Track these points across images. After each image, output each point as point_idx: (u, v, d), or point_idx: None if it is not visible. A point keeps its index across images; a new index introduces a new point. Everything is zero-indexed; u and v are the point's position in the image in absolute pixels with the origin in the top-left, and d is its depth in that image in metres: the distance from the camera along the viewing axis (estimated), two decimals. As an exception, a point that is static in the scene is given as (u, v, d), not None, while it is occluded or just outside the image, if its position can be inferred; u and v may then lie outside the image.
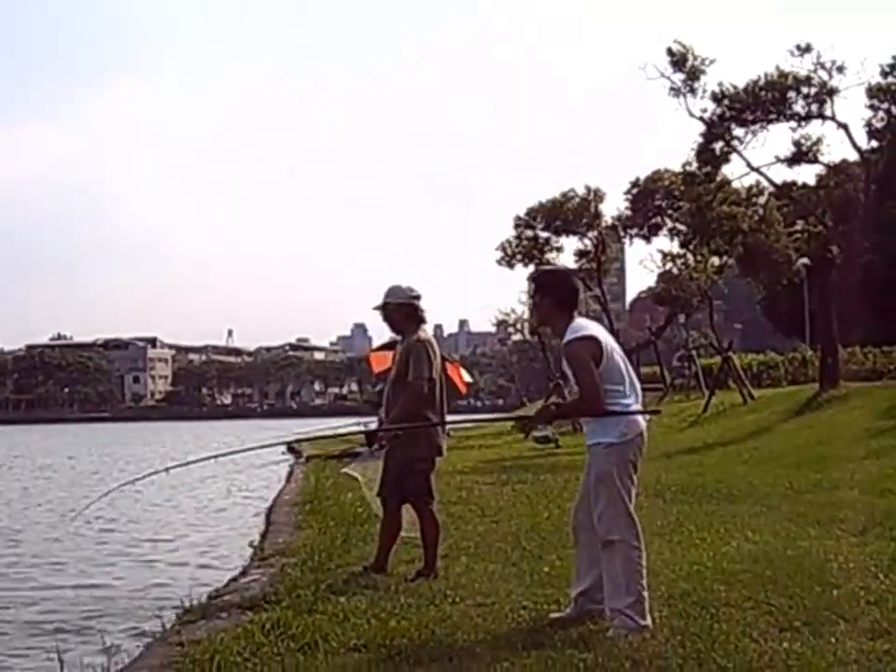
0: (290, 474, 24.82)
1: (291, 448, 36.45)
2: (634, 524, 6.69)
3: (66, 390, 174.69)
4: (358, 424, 31.70)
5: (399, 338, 9.59)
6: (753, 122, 31.73)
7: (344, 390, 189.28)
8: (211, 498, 23.20)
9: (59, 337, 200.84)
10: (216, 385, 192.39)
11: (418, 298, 9.33)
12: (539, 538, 10.91)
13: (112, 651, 8.07)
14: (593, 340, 6.67)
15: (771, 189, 38.12)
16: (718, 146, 33.03)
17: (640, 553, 6.65)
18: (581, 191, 48.58)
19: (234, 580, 10.40)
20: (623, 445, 6.64)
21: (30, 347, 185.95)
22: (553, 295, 6.99)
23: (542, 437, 5.97)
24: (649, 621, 6.53)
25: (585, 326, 6.84)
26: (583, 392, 6.60)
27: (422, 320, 9.34)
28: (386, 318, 9.43)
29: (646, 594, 6.60)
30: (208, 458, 8.84)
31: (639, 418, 6.77)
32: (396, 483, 9.19)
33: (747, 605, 7.25)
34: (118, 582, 12.77)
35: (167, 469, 8.23)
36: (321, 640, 6.82)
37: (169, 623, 8.41)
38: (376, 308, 9.42)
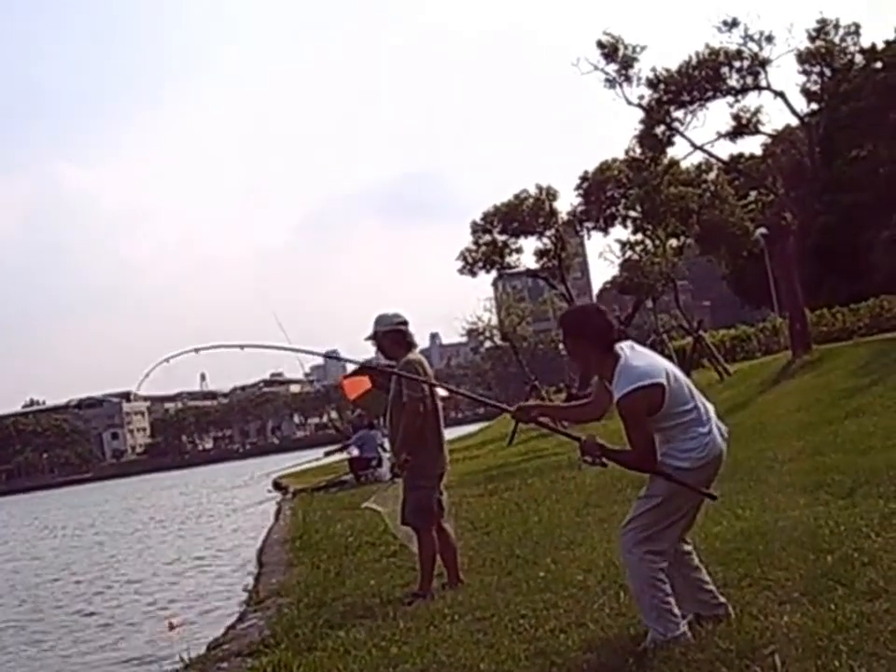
0: (279, 511, 24.66)
1: (277, 485, 36.37)
2: (658, 541, 6.10)
3: (45, 455, 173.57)
4: (343, 450, 31.77)
5: (375, 361, 9.82)
6: (691, 102, 32.01)
7: (324, 419, 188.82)
8: (200, 544, 23.03)
9: (31, 403, 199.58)
10: (195, 430, 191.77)
11: (405, 323, 9.55)
12: (531, 543, 10.89)
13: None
14: (656, 387, 5.91)
15: (719, 164, 38.37)
16: (659, 130, 33.24)
17: (656, 565, 6.07)
18: (533, 191, 48.74)
19: (232, 626, 10.33)
20: (694, 471, 6.04)
21: (3, 417, 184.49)
22: (587, 337, 6.19)
23: (589, 461, 5.96)
24: (681, 630, 6.01)
25: (639, 369, 5.96)
26: (634, 453, 6.01)
27: (411, 344, 9.53)
28: (378, 346, 9.64)
29: (669, 605, 6.05)
30: (239, 346, 8.72)
31: (718, 437, 6.13)
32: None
33: (743, 583, 7.24)
34: (112, 635, 12.67)
35: (196, 350, 8.30)
36: (323, 679, 6.77)
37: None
38: (368, 338, 9.64)
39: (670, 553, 6.17)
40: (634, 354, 6.10)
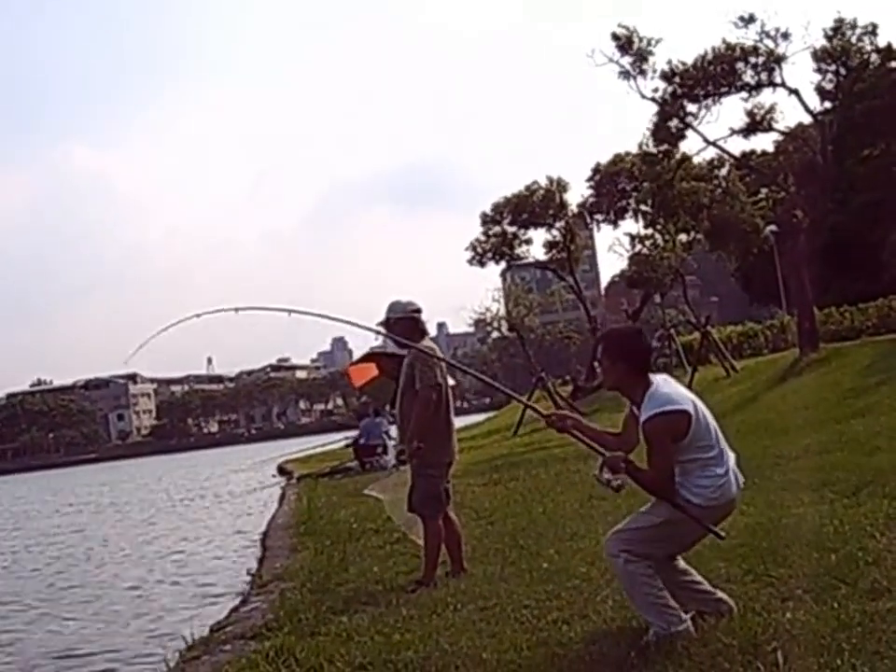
0: (283, 496, 24.71)
1: (282, 470, 36.46)
2: (643, 554, 6.06)
3: (51, 435, 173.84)
4: (346, 439, 31.85)
5: (381, 348, 9.76)
6: (705, 97, 31.86)
7: (330, 405, 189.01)
8: (206, 526, 23.07)
9: (39, 382, 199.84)
10: (200, 413, 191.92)
11: (418, 311, 9.51)
12: (535, 534, 10.90)
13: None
14: (682, 414, 5.95)
15: (731, 160, 38.28)
16: (672, 123, 33.13)
17: (641, 561, 6.05)
18: (544, 183, 48.70)
19: (235, 609, 10.35)
20: (704, 510, 6.01)
21: (10, 396, 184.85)
22: (626, 360, 6.20)
23: (608, 481, 5.89)
24: (684, 624, 6.00)
25: (669, 396, 6.02)
26: (654, 475, 5.99)
27: (423, 332, 9.52)
28: (390, 333, 9.58)
29: (663, 599, 6.04)
30: (286, 310, 8.41)
31: (733, 482, 6.09)
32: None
33: (747, 579, 7.25)
34: (117, 621, 12.69)
35: (237, 310, 8.12)
36: (326, 662, 6.78)
37: (172, 660, 8.35)
38: (379, 324, 9.55)
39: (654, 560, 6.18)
40: (665, 383, 6.15)
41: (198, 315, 8.38)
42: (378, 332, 8.27)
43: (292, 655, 7.10)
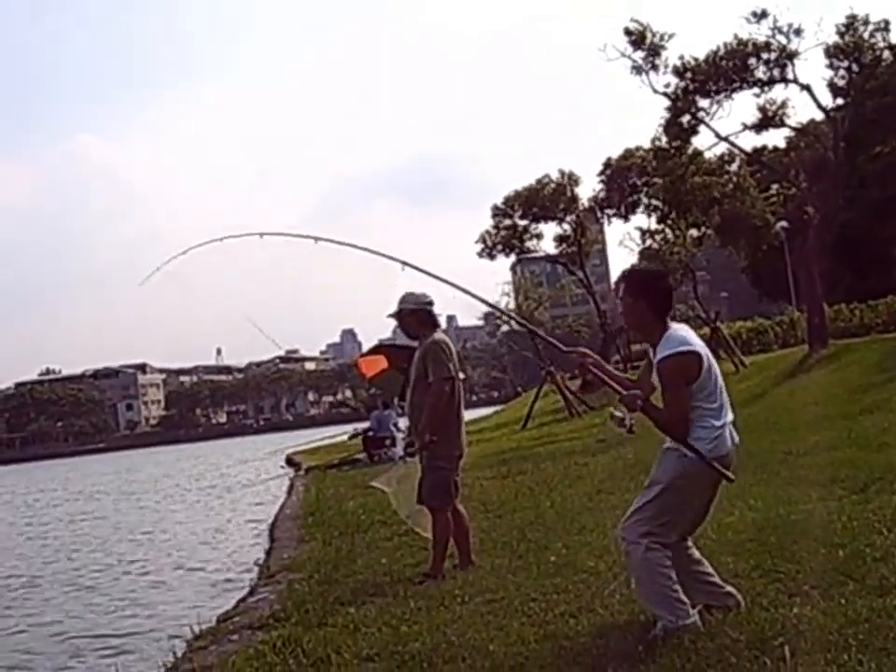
0: (291, 487, 24.76)
1: (290, 461, 36.53)
2: (661, 535, 6.09)
3: (60, 424, 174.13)
4: (354, 430, 31.88)
5: (390, 340, 9.69)
6: (717, 92, 31.77)
7: (339, 397, 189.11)
8: (215, 516, 23.13)
9: (48, 372, 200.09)
10: (209, 404, 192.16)
11: (431, 304, 9.47)
12: (543, 528, 10.92)
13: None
14: (695, 356, 6.05)
15: (742, 156, 38.18)
16: (684, 119, 33.06)
17: (660, 553, 6.06)
18: (555, 176, 48.66)
19: (242, 600, 10.36)
20: (701, 463, 6.04)
21: (19, 385, 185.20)
22: (648, 299, 6.25)
23: (620, 419, 5.90)
24: (692, 618, 6.02)
25: (685, 338, 6.12)
26: (668, 413, 6.04)
27: (436, 325, 9.49)
28: (401, 324, 9.59)
29: (677, 592, 6.05)
30: (308, 237, 8.40)
31: (728, 438, 6.15)
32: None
33: (754, 574, 7.25)
34: (125, 611, 12.75)
35: (261, 234, 8.06)
36: (333, 653, 6.81)
37: (179, 650, 8.38)
38: (391, 315, 9.58)
39: (672, 547, 6.18)
40: (682, 328, 6.25)
41: (221, 240, 8.34)
42: (393, 259, 7.99)
43: (299, 646, 7.12)
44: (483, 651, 6.33)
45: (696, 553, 6.42)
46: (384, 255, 8.12)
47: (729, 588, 6.41)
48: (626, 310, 6.38)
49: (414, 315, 9.40)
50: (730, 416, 6.22)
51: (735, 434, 6.25)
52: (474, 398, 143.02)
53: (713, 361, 6.20)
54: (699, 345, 6.15)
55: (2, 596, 15.07)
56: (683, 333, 6.16)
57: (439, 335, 9.39)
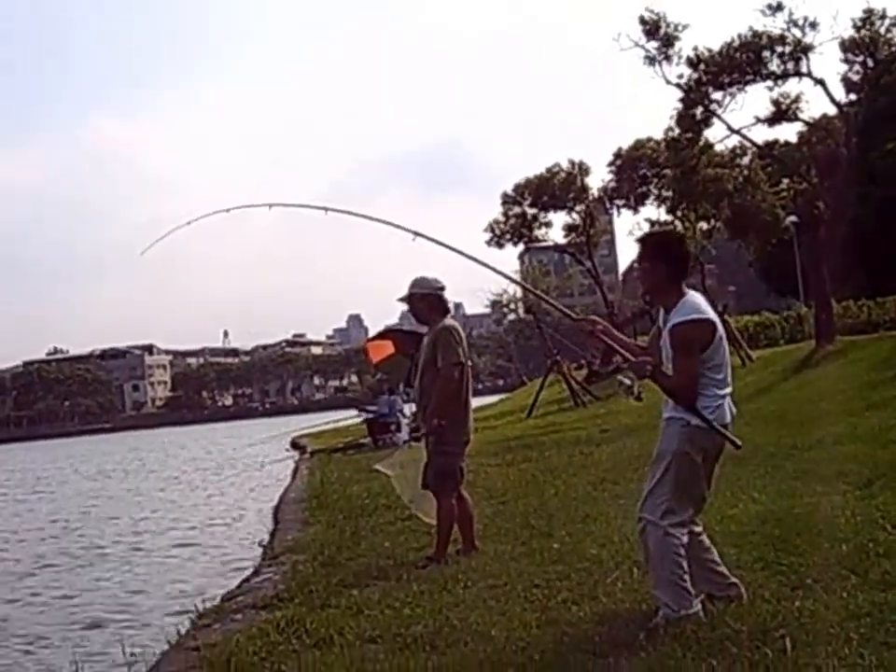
0: (296, 471, 24.81)
1: (295, 444, 36.57)
2: (679, 511, 6.11)
3: (67, 403, 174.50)
4: (360, 415, 31.90)
5: (397, 326, 9.68)
6: (730, 85, 31.72)
7: (344, 382, 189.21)
8: (219, 497, 23.19)
9: (55, 351, 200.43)
10: (215, 386, 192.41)
11: (442, 289, 9.49)
12: (547, 515, 10.95)
13: (130, 661, 8.04)
14: (709, 324, 6.09)
15: (754, 149, 38.13)
16: (697, 111, 33.01)
17: (678, 540, 6.08)
18: (565, 166, 48.62)
19: (246, 580, 10.41)
20: (704, 431, 6.05)
21: (27, 363, 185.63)
22: (667, 263, 6.24)
23: (629, 387, 5.87)
24: (695, 608, 6.05)
25: (700, 306, 6.13)
26: (679, 379, 6.05)
27: (447, 310, 9.53)
28: (412, 309, 9.61)
29: (686, 582, 6.07)
30: (319, 208, 8.32)
31: (728, 408, 6.20)
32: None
33: (757, 566, 7.27)
34: (129, 587, 12.83)
35: (270, 205, 8.05)
36: (336, 634, 6.84)
37: (184, 627, 8.39)
38: (401, 299, 9.59)
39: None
40: (697, 295, 6.26)
41: (227, 210, 8.29)
42: (410, 231, 7.92)
43: (303, 626, 7.16)
44: (485, 635, 6.36)
45: (707, 541, 6.44)
46: (394, 224, 8.07)
47: (733, 579, 6.42)
48: (644, 273, 6.39)
49: (425, 299, 9.40)
50: (730, 389, 6.26)
51: (733, 407, 6.31)
52: (479, 385, 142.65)
53: (723, 333, 6.22)
54: (713, 315, 6.18)
55: (13, 573, 15.14)
56: (699, 301, 6.17)
57: (449, 321, 9.40)
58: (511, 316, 75.72)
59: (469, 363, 9.56)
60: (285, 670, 6.09)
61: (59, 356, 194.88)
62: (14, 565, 16.01)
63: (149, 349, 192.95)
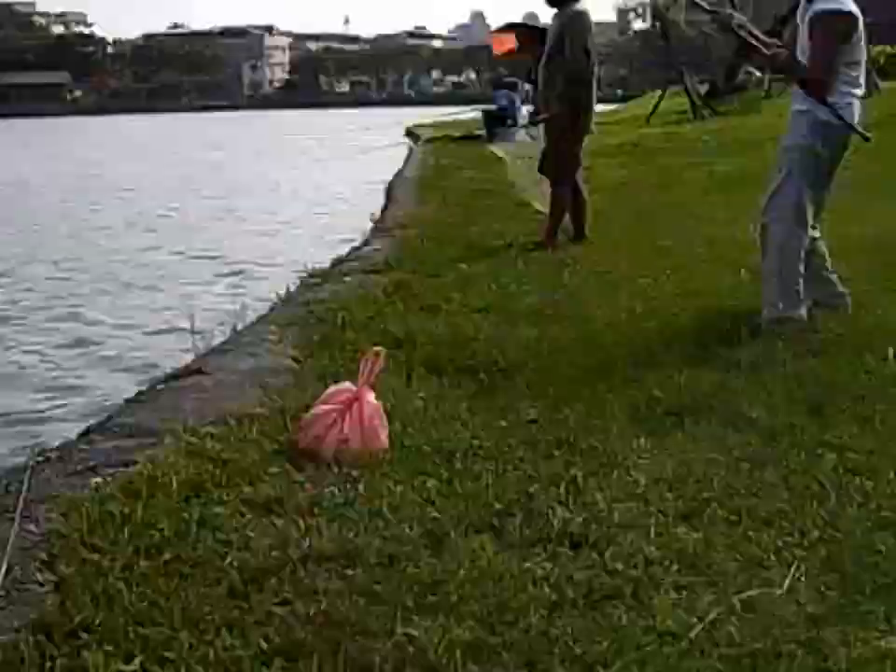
0: (409, 155, 24.80)
1: (410, 132, 36.46)
2: (803, 210, 5.97)
3: (184, 79, 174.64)
4: (475, 110, 31.61)
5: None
6: None
7: (462, 78, 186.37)
8: (335, 174, 23.44)
9: (175, 26, 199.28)
10: (333, 73, 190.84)
11: None
12: (658, 213, 10.86)
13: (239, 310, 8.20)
14: (853, 18, 5.77)
15: None
16: None
17: (799, 242, 5.99)
18: None
19: (357, 248, 10.56)
20: (833, 125, 5.82)
21: (147, 36, 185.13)
22: None
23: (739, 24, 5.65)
24: (800, 312, 5.99)
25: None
26: (815, 67, 5.79)
27: None
28: None
29: (799, 284, 6.00)
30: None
31: (856, 111, 5.92)
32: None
33: (865, 282, 6.89)
34: (240, 244, 13.29)
35: None
36: (443, 301, 6.95)
37: (293, 286, 8.45)
38: None
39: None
40: None
41: None
42: None
43: (410, 292, 7.30)
44: (590, 319, 6.36)
45: (823, 247, 6.33)
46: None
47: (842, 288, 6.36)
48: None
49: None
50: (862, 90, 6.03)
51: (863, 111, 6.07)
52: (598, 93, 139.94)
53: (863, 32, 5.94)
54: (857, 10, 5.84)
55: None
56: None
57: (580, 6, 9.12)
58: (637, 24, 73.27)
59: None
60: (392, 330, 6.16)
61: (179, 30, 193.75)
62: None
63: (269, 29, 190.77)
